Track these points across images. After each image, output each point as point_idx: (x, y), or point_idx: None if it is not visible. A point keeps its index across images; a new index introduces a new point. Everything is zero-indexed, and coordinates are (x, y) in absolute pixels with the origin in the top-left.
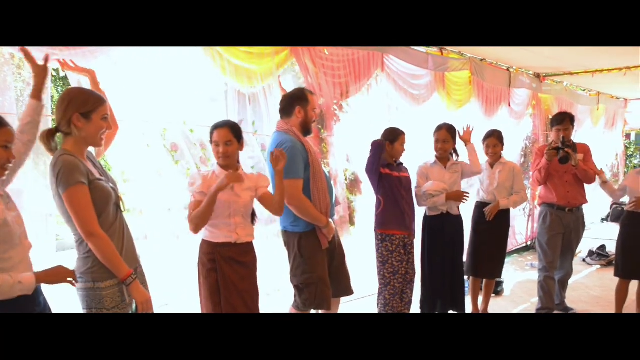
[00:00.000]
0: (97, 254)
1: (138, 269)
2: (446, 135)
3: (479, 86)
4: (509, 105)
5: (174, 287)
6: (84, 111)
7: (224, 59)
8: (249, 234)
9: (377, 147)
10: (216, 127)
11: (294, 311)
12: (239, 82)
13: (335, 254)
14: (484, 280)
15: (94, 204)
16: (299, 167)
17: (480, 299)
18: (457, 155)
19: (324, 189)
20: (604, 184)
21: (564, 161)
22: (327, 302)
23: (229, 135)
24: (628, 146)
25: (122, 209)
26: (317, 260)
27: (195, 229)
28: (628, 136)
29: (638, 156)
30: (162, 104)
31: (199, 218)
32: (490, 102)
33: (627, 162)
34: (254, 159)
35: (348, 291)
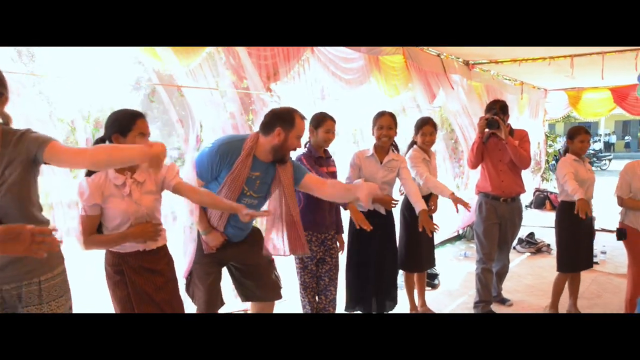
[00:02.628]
0: None
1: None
2: (390, 121)
3: (418, 70)
4: (452, 89)
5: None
6: None
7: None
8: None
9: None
10: (143, 116)
11: None
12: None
13: (248, 258)
14: (415, 274)
15: None
16: (200, 170)
17: (416, 292)
18: (397, 150)
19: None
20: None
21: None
22: (202, 301)
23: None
24: (549, 135)
25: None
26: (201, 255)
27: (87, 250)
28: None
29: (555, 145)
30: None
31: (95, 248)
32: (431, 87)
33: (548, 150)
34: (180, 149)
35: (272, 296)
